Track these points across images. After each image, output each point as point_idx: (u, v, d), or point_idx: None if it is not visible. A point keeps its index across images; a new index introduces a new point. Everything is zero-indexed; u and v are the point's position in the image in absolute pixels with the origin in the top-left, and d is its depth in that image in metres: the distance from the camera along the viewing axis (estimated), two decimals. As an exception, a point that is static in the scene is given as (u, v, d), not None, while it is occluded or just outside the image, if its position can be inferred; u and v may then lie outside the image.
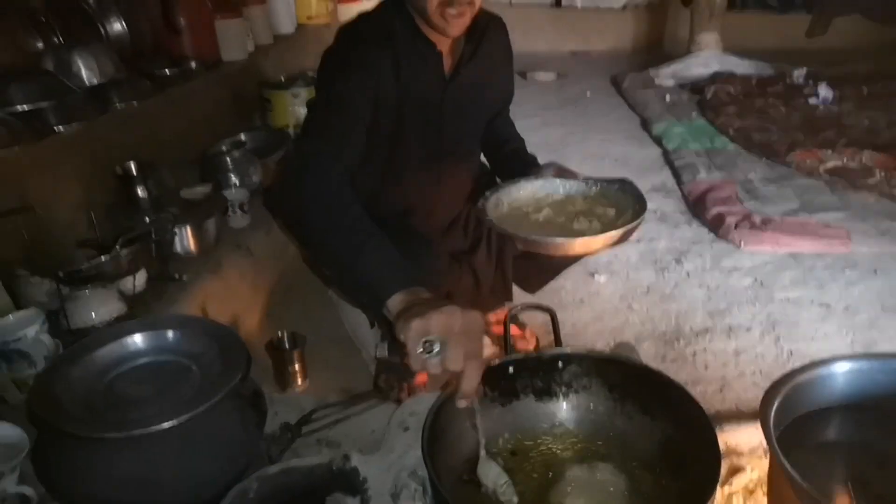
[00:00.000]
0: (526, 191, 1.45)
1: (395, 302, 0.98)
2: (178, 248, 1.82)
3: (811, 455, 1.09)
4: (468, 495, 0.96)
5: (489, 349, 1.12)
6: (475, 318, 0.93)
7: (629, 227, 1.28)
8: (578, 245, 1.28)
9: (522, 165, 1.52)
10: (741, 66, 4.25)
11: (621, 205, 1.38)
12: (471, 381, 0.92)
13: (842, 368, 1.11)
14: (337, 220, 1.11)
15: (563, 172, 1.46)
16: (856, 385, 1.11)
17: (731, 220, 2.44)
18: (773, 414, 1.04)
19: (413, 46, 1.35)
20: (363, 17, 1.39)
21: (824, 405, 1.12)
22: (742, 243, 2.34)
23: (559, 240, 1.27)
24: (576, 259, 1.65)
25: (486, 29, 1.44)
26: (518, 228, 1.31)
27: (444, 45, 1.38)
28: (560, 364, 1.09)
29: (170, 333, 1.15)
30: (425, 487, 0.93)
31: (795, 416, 1.11)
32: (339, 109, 1.28)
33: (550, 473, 0.99)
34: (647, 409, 1.05)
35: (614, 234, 1.27)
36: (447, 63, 1.42)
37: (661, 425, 1.03)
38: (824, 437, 1.13)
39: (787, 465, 0.94)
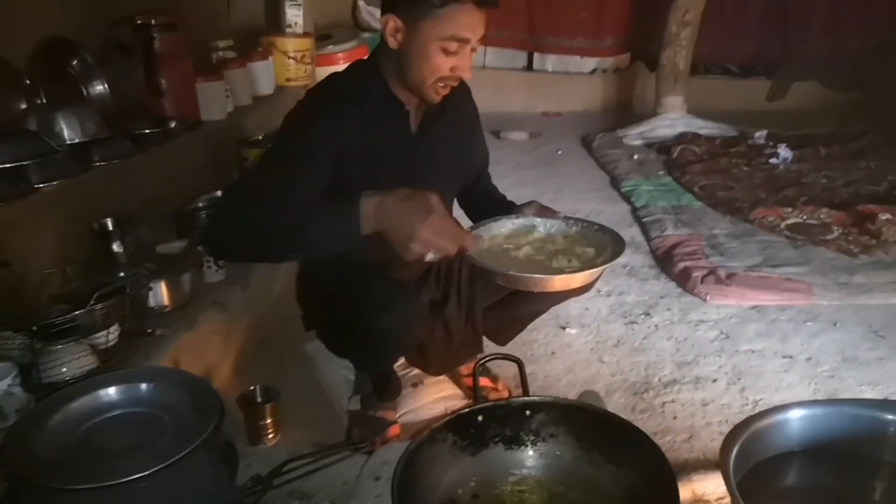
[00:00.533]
0: (507, 228, 1.48)
1: (366, 210, 1.14)
2: (152, 302, 1.83)
3: (772, 499, 1.12)
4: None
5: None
6: (436, 217, 1.13)
7: (608, 265, 1.33)
8: (558, 282, 1.32)
9: (504, 206, 1.58)
10: (705, 128, 4.43)
11: (600, 244, 1.43)
12: (467, 243, 1.20)
13: (798, 414, 1.16)
14: (276, 209, 1.21)
15: (543, 211, 1.52)
16: (812, 430, 1.16)
17: (697, 275, 2.51)
18: (732, 460, 1.08)
19: (383, 105, 1.41)
20: (333, 77, 1.46)
21: (783, 450, 1.16)
22: (708, 297, 2.41)
23: (538, 277, 1.30)
24: (550, 302, 1.68)
25: (453, 89, 1.50)
26: (498, 265, 1.34)
27: (411, 104, 1.45)
28: (528, 412, 1.13)
29: (143, 385, 1.16)
30: (395, 535, 0.94)
31: (756, 462, 1.15)
32: (286, 162, 1.30)
33: (519, 520, 1.01)
34: (612, 457, 1.08)
35: (593, 272, 1.31)
36: (414, 122, 1.48)
37: (626, 472, 1.06)
38: (784, 482, 1.17)
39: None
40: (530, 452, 1.12)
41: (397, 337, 1.41)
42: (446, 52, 1.31)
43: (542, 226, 1.50)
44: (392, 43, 1.34)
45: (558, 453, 1.11)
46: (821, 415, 1.16)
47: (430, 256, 1.15)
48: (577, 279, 1.31)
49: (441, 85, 1.36)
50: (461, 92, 1.53)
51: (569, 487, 1.07)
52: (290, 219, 1.19)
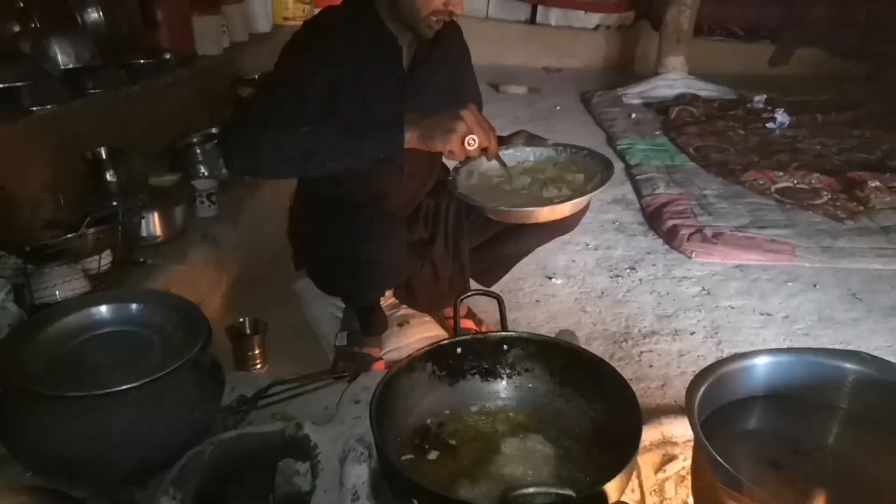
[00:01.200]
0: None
1: (409, 128, 1.28)
2: (144, 233, 1.86)
3: (732, 441, 1.17)
4: (410, 462, 1.02)
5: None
6: (474, 107, 1.30)
7: (594, 193, 1.37)
8: (545, 213, 1.36)
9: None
10: (705, 90, 4.41)
11: (590, 170, 1.46)
12: (495, 144, 1.35)
13: (763, 361, 1.20)
14: (302, 120, 1.29)
15: (532, 140, 1.55)
16: (776, 377, 1.20)
17: (684, 233, 2.55)
18: (698, 401, 1.12)
19: (375, 40, 1.44)
20: (329, 10, 1.47)
21: (747, 395, 1.21)
22: (693, 254, 2.45)
23: (526, 209, 1.35)
24: (537, 240, 1.73)
25: (443, 30, 1.50)
26: (489, 199, 1.38)
27: (404, 40, 1.47)
28: (505, 346, 1.16)
29: (133, 306, 1.20)
30: (371, 451, 0.99)
31: (720, 404, 1.19)
32: (288, 86, 1.35)
33: (491, 445, 1.06)
34: (583, 391, 1.12)
35: (579, 200, 1.36)
36: (406, 58, 1.50)
37: (594, 406, 1.10)
38: (746, 424, 1.21)
39: (706, 442, 1.02)
40: (505, 384, 1.16)
41: (385, 265, 1.46)
42: None
43: (532, 154, 1.52)
44: None
45: (531, 386, 1.16)
46: (785, 362, 1.20)
47: (471, 145, 1.31)
48: (565, 208, 1.35)
49: (434, 20, 1.38)
50: (453, 31, 1.54)
51: (536, 418, 1.11)
52: (330, 129, 1.30)
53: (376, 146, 1.29)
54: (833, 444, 1.17)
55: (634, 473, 1.39)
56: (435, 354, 1.13)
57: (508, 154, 1.52)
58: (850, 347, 1.92)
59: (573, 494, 0.79)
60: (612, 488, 0.87)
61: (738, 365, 1.19)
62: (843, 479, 1.12)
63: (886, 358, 1.21)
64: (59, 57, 1.87)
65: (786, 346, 1.95)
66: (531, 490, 0.79)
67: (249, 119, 1.32)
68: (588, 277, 2.34)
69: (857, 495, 1.10)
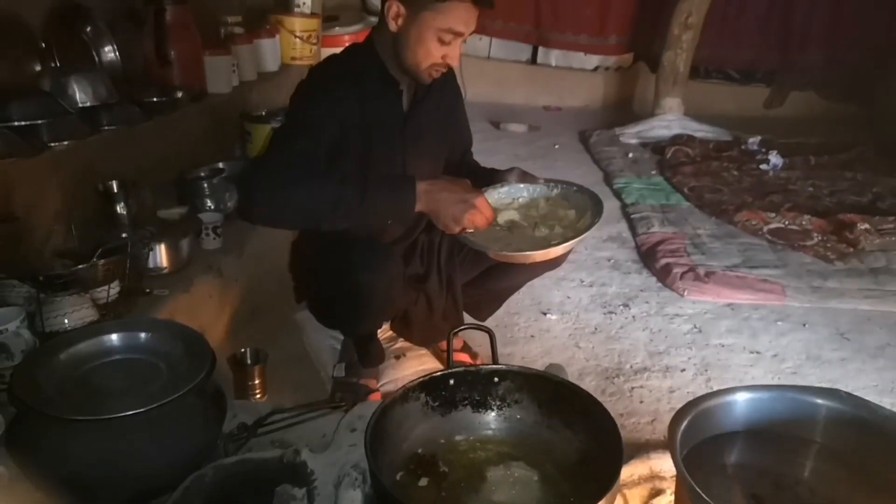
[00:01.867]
0: (492, 198, 1.57)
1: (420, 191, 1.39)
2: (151, 263, 1.91)
3: (714, 474, 1.21)
4: (403, 488, 1.07)
5: None
6: (482, 200, 1.42)
7: (589, 233, 1.45)
8: (542, 255, 1.46)
9: (488, 175, 1.70)
10: (701, 131, 4.50)
11: (581, 206, 1.54)
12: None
13: (743, 397, 1.25)
14: (320, 180, 1.39)
15: (525, 177, 1.63)
16: (756, 412, 1.25)
17: (677, 271, 2.61)
18: (680, 435, 1.17)
19: (377, 84, 1.53)
20: (333, 57, 1.57)
21: (727, 429, 1.25)
22: (686, 292, 2.51)
23: (526, 253, 1.44)
24: (527, 276, 1.82)
25: None
26: (488, 240, 1.47)
27: (404, 84, 1.57)
28: (496, 379, 1.22)
29: (142, 334, 1.25)
30: (365, 477, 1.03)
31: (702, 439, 1.24)
32: (302, 135, 1.44)
33: (481, 472, 1.10)
34: (569, 423, 1.17)
35: (576, 241, 1.44)
36: (406, 100, 1.60)
37: (580, 437, 1.15)
38: (726, 459, 1.25)
39: (687, 475, 1.07)
40: (495, 415, 1.21)
41: (382, 296, 1.52)
42: (441, 41, 1.44)
43: (526, 190, 1.60)
44: (392, 26, 1.45)
45: (520, 417, 1.21)
46: (765, 398, 1.25)
47: (468, 229, 1.44)
48: (559, 250, 1.42)
49: (434, 69, 1.48)
50: (447, 74, 1.64)
51: (524, 448, 1.16)
52: (347, 191, 1.38)
53: (388, 214, 1.44)
54: (810, 478, 1.21)
55: (622, 506, 1.43)
56: (428, 385, 1.19)
57: (503, 191, 1.60)
58: (837, 386, 1.96)
59: (555, 519, 0.84)
60: (593, 515, 0.91)
61: (719, 400, 1.24)
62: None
63: (872, 397, 1.26)
64: (78, 95, 1.96)
65: (774, 384, 2.00)
66: (515, 514, 0.84)
67: (269, 176, 1.40)
68: (582, 313, 2.40)
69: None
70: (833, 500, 1.18)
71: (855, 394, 1.24)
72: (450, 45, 1.44)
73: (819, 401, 1.23)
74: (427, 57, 1.45)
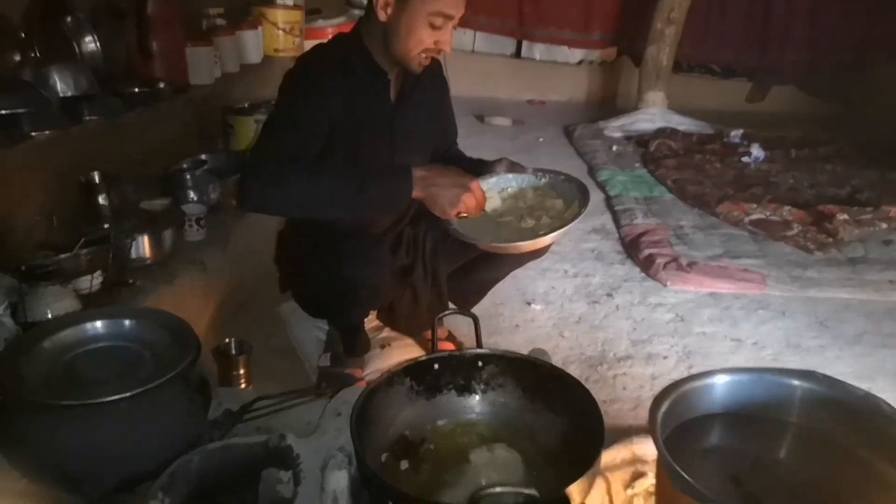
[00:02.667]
0: (483, 187, 1.57)
1: (415, 178, 1.40)
2: (134, 255, 1.90)
3: (693, 456, 1.23)
4: (388, 470, 1.08)
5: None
6: (476, 185, 1.46)
7: (575, 222, 1.47)
8: (531, 245, 1.48)
9: (477, 165, 1.70)
10: (683, 124, 4.55)
11: (568, 195, 1.56)
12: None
13: (722, 380, 1.27)
14: (319, 170, 1.42)
15: (513, 167, 1.65)
16: (734, 394, 1.27)
17: (660, 261, 2.63)
18: (660, 417, 1.19)
19: (365, 75, 1.53)
20: (321, 48, 1.56)
21: (706, 412, 1.27)
22: (668, 282, 2.54)
23: (516, 243, 1.47)
24: (511, 266, 1.83)
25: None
26: (475, 230, 1.48)
27: (392, 73, 1.56)
28: (480, 363, 1.23)
29: (126, 322, 1.26)
30: (351, 459, 1.04)
31: (681, 422, 1.26)
32: (294, 128, 1.44)
33: (465, 454, 1.12)
34: (552, 406, 1.19)
35: (564, 231, 1.45)
36: (393, 90, 1.60)
37: (562, 419, 1.17)
38: (706, 441, 1.28)
39: (666, 454, 1.08)
40: (479, 399, 1.23)
41: (370, 284, 1.53)
42: (432, 26, 1.44)
43: (515, 180, 1.61)
44: (382, 16, 1.46)
45: (503, 401, 1.22)
46: (743, 381, 1.27)
47: (461, 214, 1.46)
48: (547, 240, 1.44)
49: (424, 56, 1.49)
50: (434, 65, 1.64)
51: (507, 430, 1.18)
52: (344, 180, 1.40)
53: (386, 202, 1.45)
54: (788, 458, 1.24)
55: (606, 489, 1.45)
56: (413, 370, 1.20)
57: (492, 181, 1.61)
58: (816, 372, 2.00)
59: (536, 494, 0.85)
60: (574, 490, 0.93)
61: (698, 383, 1.26)
62: (798, 492, 1.19)
63: (850, 382, 1.28)
64: (59, 85, 1.94)
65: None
66: (498, 490, 0.85)
67: (267, 166, 1.41)
68: (566, 303, 2.42)
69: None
70: (811, 479, 1.20)
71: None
72: (441, 30, 1.44)
73: (795, 382, 1.25)
74: (419, 44, 1.45)
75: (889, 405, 1.19)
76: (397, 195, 1.43)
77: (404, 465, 1.10)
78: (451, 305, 1.87)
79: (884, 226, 2.96)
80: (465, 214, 1.46)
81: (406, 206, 1.50)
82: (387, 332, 2.02)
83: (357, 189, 1.39)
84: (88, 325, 1.22)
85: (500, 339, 2.16)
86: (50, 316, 1.52)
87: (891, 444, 1.13)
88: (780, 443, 1.25)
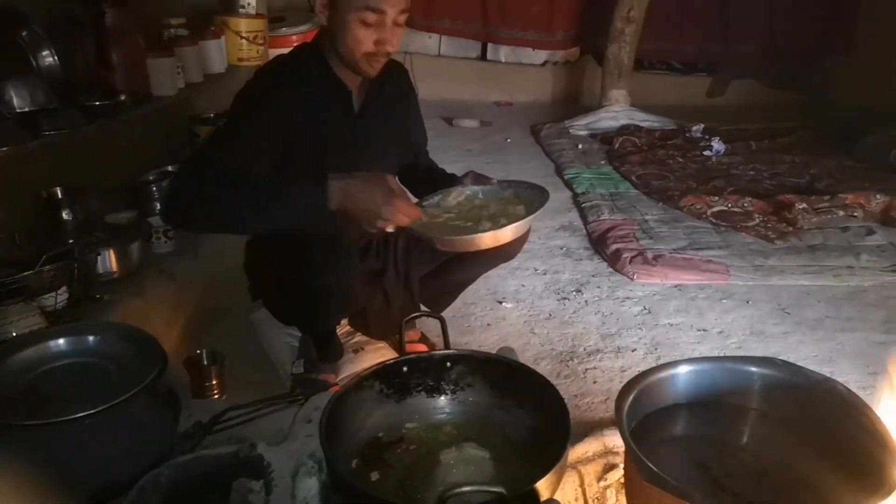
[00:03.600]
0: (447, 200, 1.60)
1: (333, 190, 1.31)
2: (100, 269, 1.89)
3: (660, 445, 1.26)
4: (359, 474, 1.08)
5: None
6: (398, 203, 1.34)
7: (531, 218, 1.47)
8: (488, 238, 1.45)
9: (445, 178, 1.71)
10: (647, 121, 4.62)
11: (530, 201, 1.57)
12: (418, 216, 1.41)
13: (685, 370, 1.30)
14: (241, 185, 1.34)
15: (479, 179, 1.65)
16: (697, 384, 1.31)
17: (626, 256, 2.68)
18: (626, 409, 1.21)
19: (325, 87, 1.51)
20: (280, 58, 1.55)
21: (671, 402, 1.30)
22: (635, 276, 2.58)
23: (470, 237, 1.45)
24: (481, 267, 1.84)
25: (391, 71, 1.60)
26: (433, 230, 1.48)
27: (353, 85, 1.55)
28: (448, 364, 1.25)
29: (90, 337, 1.25)
30: (321, 465, 1.05)
31: (647, 413, 1.29)
32: (236, 142, 1.40)
33: (436, 455, 1.13)
34: (520, 403, 1.21)
35: (520, 225, 1.46)
36: (357, 102, 1.58)
37: (531, 415, 1.19)
38: (672, 430, 1.31)
39: (633, 444, 1.11)
40: (448, 399, 1.24)
41: (340, 292, 1.53)
42: (365, 23, 1.39)
43: (481, 192, 1.63)
44: (322, 19, 1.44)
45: (472, 399, 1.24)
46: (706, 370, 1.31)
47: (389, 228, 1.37)
48: (506, 234, 1.45)
49: (370, 58, 1.45)
50: (400, 73, 1.63)
51: (477, 429, 1.20)
52: (258, 195, 1.33)
53: (301, 214, 1.35)
54: (752, 443, 1.27)
55: (578, 482, 1.48)
56: (382, 373, 1.21)
57: (456, 191, 1.63)
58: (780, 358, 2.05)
59: (504, 492, 0.87)
60: (542, 486, 0.95)
61: (662, 374, 1.30)
62: (762, 477, 1.22)
63: (813, 367, 1.32)
64: (15, 100, 1.91)
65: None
66: (466, 489, 0.87)
67: (187, 179, 1.38)
68: (536, 300, 2.45)
69: (775, 489, 1.20)
70: (776, 463, 1.24)
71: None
72: (378, 28, 1.40)
73: (754, 369, 1.29)
74: (357, 44, 1.41)
75: (846, 388, 1.23)
76: (312, 208, 1.33)
77: (374, 469, 1.11)
78: (422, 308, 1.89)
79: (841, 213, 3.04)
80: (391, 230, 1.40)
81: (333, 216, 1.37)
82: (359, 337, 2.03)
83: (272, 200, 1.33)
84: (52, 343, 1.21)
85: (472, 338, 2.18)
86: (14, 334, 1.51)
87: (847, 426, 1.17)
88: (742, 429, 1.28)
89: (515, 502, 0.89)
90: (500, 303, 2.41)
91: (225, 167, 1.35)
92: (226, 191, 1.33)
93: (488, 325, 2.28)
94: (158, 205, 2.26)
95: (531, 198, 1.59)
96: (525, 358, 2.07)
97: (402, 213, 1.34)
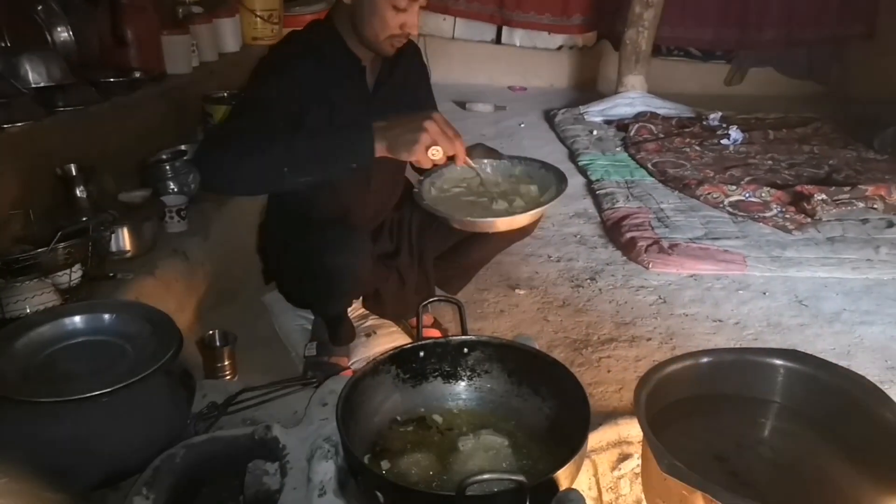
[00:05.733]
0: (455, 173, 1.56)
1: (378, 129, 1.31)
2: (114, 247, 1.88)
3: (678, 437, 1.24)
4: (375, 459, 1.07)
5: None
6: (439, 115, 1.34)
7: (550, 205, 1.44)
8: (504, 222, 1.43)
9: None
10: (663, 108, 4.56)
11: (544, 182, 1.54)
12: (462, 150, 1.37)
13: (705, 360, 1.28)
14: (274, 138, 1.33)
15: (488, 153, 1.62)
16: (717, 375, 1.29)
17: (642, 244, 2.65)
18: (644, 399, 1.20)
19: (339, 62, 1.51)
20: (294, 34, 1.54)
21: (691, 393, 1.29)
22: (650, 265, 2.55)
23: (488, 220, 1.42)
24: (496, 247, 1.82)
25: (404, 48, 1.58)
26: (451, 209, 1.44)
27: (367, 60, 1.54)
28: (465, 350, 1.23)
29: (106, 316, 1.24)
30: (337, 449, 1.04)
31: (667, 403, 1.27)
32: (258, 108, 1.40)
33: (452, 442, 1.12)
34: (538, 390, 1.19)
35: (536, 212, 1.44)
36: (370, 78, 1.57)
37: (549, 403, 1.17)
38: (690, 422, 1.29)
39: (651, 435, 1.10)
40: (465, 385, 1.23)
41: (352, 273, 1.52)
42: (396, 8, 1.41)
43: (489, 166, 1.59)
44: None
45: (490, 386, 1.22)
46: (726, 361, 1.29)
47: (435, 155, 1.33)
48: (522, 219, 1.42)
49: (392, 40, 1.46)
50: (413, 52, 1.63)
51: (494, 417, 1.18)
52: (306, 143, 1.33)
53: (347, 156, 1.33)
54: (771, 437, 1.25)
55: (592, 472, 1.46)
56: (398, 358, 1.20)
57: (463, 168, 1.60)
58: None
59: (525, 480, 0.86)
60: (562, 476, 0.93)
61: (682, 365, 1.28)
62: (782, 471, 1.20)
63: (830, 360, 1.30)
64: (31, 75, 1.90)
65: (735, 350, 2.05)
66: (486, 476, 0.85)
67: (221, 141, 1.37)
68: (550, 288, 2.43)
69: (795, 483, 1.18)
70: (796, 457, 1.22)
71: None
72: (406, 12, 1.42)
73: (778, 362, 1.27)
74: (384, 27, 1.43)
75: (871, 383, 1.21)
76: (358, 150, 1.32)
77: (391, 454, 1.10)
78: (437, 290, 1.87)
79: (861, 205, 2.99)
80: (436, 156, 1.33)
81: (369, 163, 1.36)
82: (372, 321, 2.02)
83: (314, 147, 1.32)
84: (67, 320, 1.20)
85: (486, 324, 2.17)
86: (28, 311, 1.50)
87: (870, 422, 1.15)
88: (763, 422, 1.26)
89: (536, 491, 0.88)
90: (514, 289, 2.39)
91: (250, 129, 1.35)
92: (264, 144, 1.31)
93: (501, 311, 2.26)
94: (171, 184, 2.25)
95: (544, 179, 1.57)
96: (539, 345, 2.04)
97: (447, 129, 1.33)
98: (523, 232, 1.67)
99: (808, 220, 2.88)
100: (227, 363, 1.80)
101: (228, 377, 1.80)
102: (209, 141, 1.42)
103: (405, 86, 1.65)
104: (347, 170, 1.34)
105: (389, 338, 1.96)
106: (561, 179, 1.53)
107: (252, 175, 1.33)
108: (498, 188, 1.54)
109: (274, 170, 1.31)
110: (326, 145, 1.32)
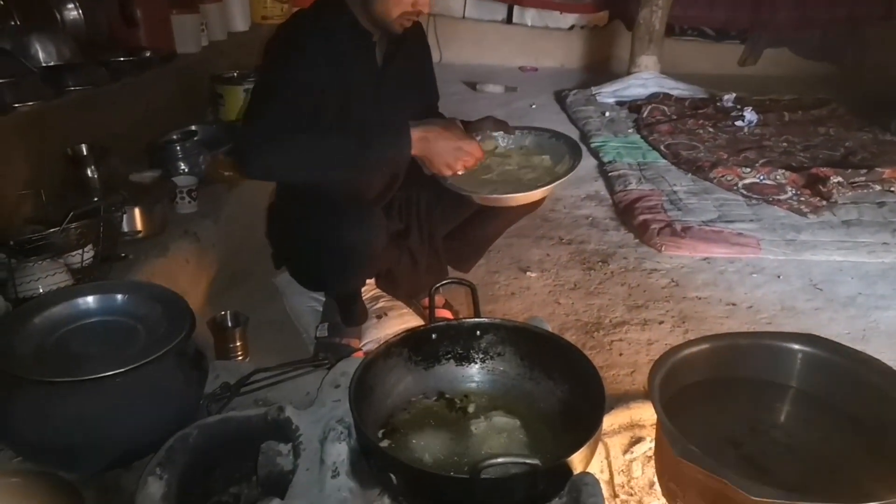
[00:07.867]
0: None
1: (415, 137, 1.44)
2: (126, 228, 1.88)
3: (692, 421, 1.23)
4: (388, 440, 1.07)
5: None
6: (475, 145, 1.49)
7: (569, 176, 1.46)
8: (523, 197, 1.49)
9: (462, 123, 1.67)
10: (676, 89, 4.50)
11: (556, 152, 1.54)
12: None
13: (720, 344, 1.27)
14: (320, 131, 1.45)
15: (498, 125, 1.64)
16: (732, 359, 1.28)
17: (654, 227, 2.62)
18: (658, 382, 1.19)
19: (349, 37, 1.51)
20: (301, 12, 1.53)
21: (705, 377, 1.27)
22: (663, 248, 2.53)
23: (510, 195, 1.47)
24: (506, 222, 1.83)
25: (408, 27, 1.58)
26: (471, 186, 1.49)
27: (376, 36, 1.56)
28: (478, 332, 1.22)
29: (119, 296, 1.23)
30: (350, 431, 1.04)
31: (681, 387, 1.26)
32: (285, 91, 1.42)
33: (465, 424, 1.11)
34: (551, 374, 1.19)
35: (550, 187, 1.46)
36: (379, 54, 1.59)
37: (562, 387, 1.17)
38: (705, 406, 1.28)
39: (665, 418, 1.09)
40: (478, 368, 1.22)
41: (364, 251, 1.52)
42: None
43: (501, 139, 1.60)
44: None
45: (502, 369, 1.22)
46: (741, 345, 1.28)
47: (459, 169, 1.49)
48: (540, 193, 1.42)
49: (404, 18, 1.47)
50: (417, 29, 1.63)
51: (507, 399, 1.18)
52: (348, 142, 1.43)
53: (386, 160, 1.50)
54: (787, 422, 1.24)
55: (604, 455, 1.46)
56: (411, 340, 1.19)
57: (478, 140, 1.59)
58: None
59: (539, 463, 0.85)
60: (576, 459, 0.93)
61: (696, 348, 1.27)
62: (796, 455, 1.19)
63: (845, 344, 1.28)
64: (40, 54, 1.89)
65: (749, 334, 2.04)
66: (500, 460, 0.85)
67: (265, 130, 1.41)
68: (562, 271, 2.41)
69: (809, 469, 1.17)
70: (811, 442, 1.21)
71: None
72: None
73: (795, 346, 1.25)
74: (397, 4, 1.44)
75: (888, 367, 1.19)
76: (398, 153, 1.46)
77: (404, 436, 1.10)
78: (448, 269, 1.87)
79: (877, 188, 2.95)
80: (461, 172, 1.48)
81: (399, 167, 1.53)
82: (383, 303, 2.01)
83: (360, 149, 1.43)
84: (80, 300, 1.20)
85: (497, 307, 2.16)
86: (41, 291, 1.50)
87: (889, 407, 1.13)
88: (779, 407, 1.25)
89: (550, 474, 0.87)
90: (525, 272, 2.38)
91: (284, 115, 1.41)
92: (310, 137, 1.42)
93: (513, 294, 2.25)
94: (182, 164, 2.25)
95: (556, 149, 1.56)
96: (550, 328, 2.03)
97: (475, 155, 1.48)
98: (536, 204, 1.66)
99: (824, 202, 2.85)
100: (238, 344, 1.80)
101: (240, 358, 1.80)
102: (253, 130, 1.44)
103: (411, 61, 1.66)
104: (382, 168, 1.53)
105: (400, 319, 1.96)
106: (573, 147, 1.52)
107: (295, 167, 1.45)
108: (510, 159, 1.54)
109: (321, 166, 1.45)
110: (372, 148, 1.45)
